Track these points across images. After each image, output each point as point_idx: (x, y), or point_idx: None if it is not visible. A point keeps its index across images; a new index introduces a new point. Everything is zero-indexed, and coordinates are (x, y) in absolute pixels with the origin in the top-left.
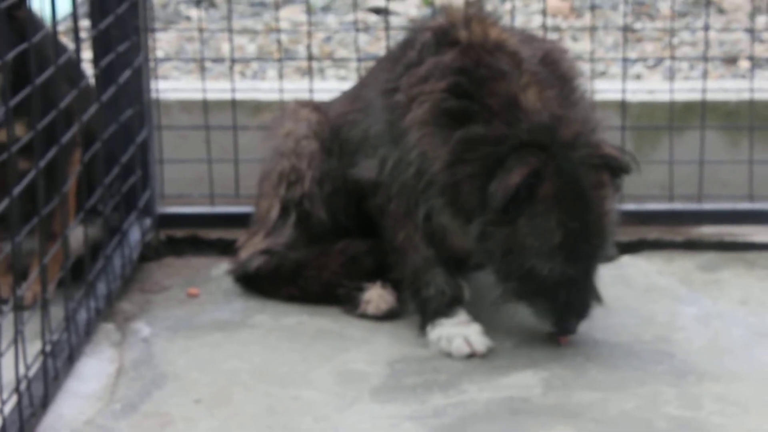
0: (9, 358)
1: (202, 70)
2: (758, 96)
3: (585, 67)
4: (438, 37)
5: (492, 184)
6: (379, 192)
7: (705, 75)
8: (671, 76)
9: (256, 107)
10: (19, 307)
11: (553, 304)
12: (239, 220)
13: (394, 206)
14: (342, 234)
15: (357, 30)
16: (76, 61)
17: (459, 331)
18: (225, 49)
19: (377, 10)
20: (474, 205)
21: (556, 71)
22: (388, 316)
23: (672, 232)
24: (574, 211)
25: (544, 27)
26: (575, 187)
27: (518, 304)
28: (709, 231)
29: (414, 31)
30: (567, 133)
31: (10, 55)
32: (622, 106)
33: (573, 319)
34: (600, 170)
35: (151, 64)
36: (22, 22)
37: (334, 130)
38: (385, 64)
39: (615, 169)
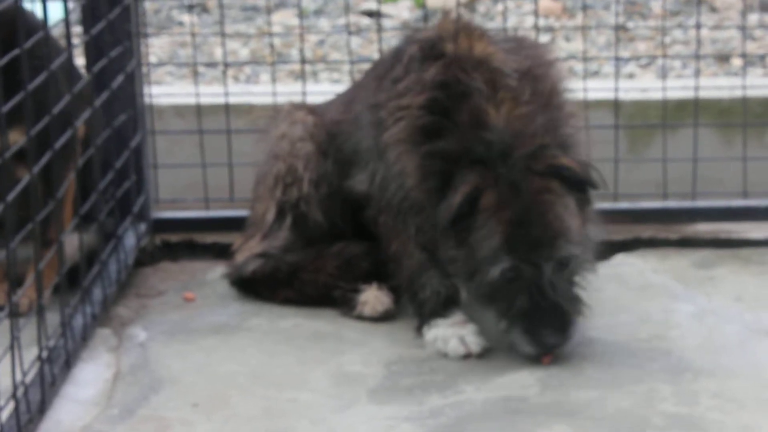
0: (6, 364)
1: (195, 74)
2: (751, 93)
3: (578, 66)
4: (424, 51)
5: (440, 207)
6: (371, 204)
7: (697, 73)
8: (664, 74)
9: (250, 111)
10: (15, 314)
11: (521, 317)
12: (234, 224)
13: (385, 219)
14: (338, 236)
15: (349, 33)
16: (73, 65)
17: (455, 332)
18: (218, 53)
19: (369, 13)
20: (438, 225)
21: (537, 87)
22: (385, 317)
23: (666, 230)
24: (514, 213)
25: (536, 27)
26: (515, 193)
27: (502, 329)
28: (703, 228)
29: (404, 43)
30: (523, 147)
31: (5, 60)
32: (615, 105)
33: (548, 331)
34: (546, 178)
35: (144, 70)
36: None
37: (330, 135)
38: (375, 75)
39: (571, 180)
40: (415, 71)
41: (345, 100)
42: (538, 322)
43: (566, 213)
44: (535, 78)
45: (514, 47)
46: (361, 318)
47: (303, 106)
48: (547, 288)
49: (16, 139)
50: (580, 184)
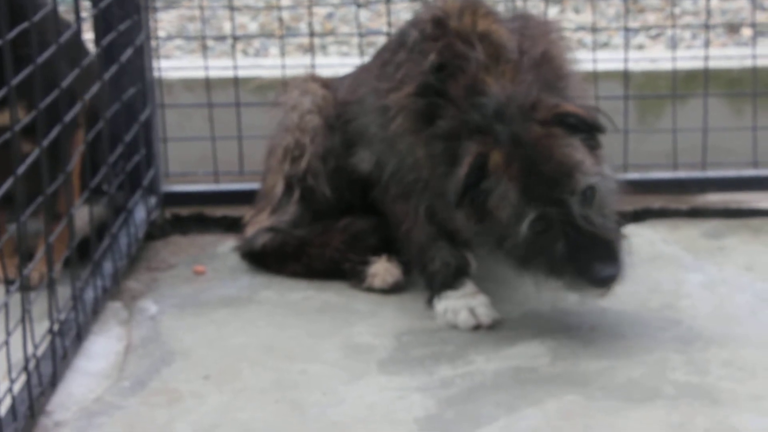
0: (17, 337)
1: (204, 48)
2: (761, 63)
3: (587, 38)
4: (425, 32)
5: (449, 185)
6: (379, 186)
7: (707, 43)
8: (674, 45)
9: (259, 84)
10: (25, 288)
11: (570, 260)
12: (244, 197)
13: (399, 203)
14: (347, 210)
15: (358, 6)
16: (79, 39)
17: (465, 303)
18: (227, 27)
19: None
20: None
21: (539, 60)
22: (394, 289)
23: (677, 200)
24: (522, 163)
25: None
26: (519, 145)
27: (554, 285)
28: (713, 198)
29: (411, 23)
30: (520, 104)
31: (12, 34)
32: (625, 76)
33: (600, 264)
34: (547, 125)
35: (153, 43)
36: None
37: (338, 113)
38: (381, 58)
39: (577, 125)
40: (416, 55)
41: (353, 80)
42: (586, 259)
43: (574, 150)
44: (538, 53)
45: (519, 26)
46: (371, 290)
47: (318, 78)
48: (580, 221)
49: (19, 114)
50: (586, 128)
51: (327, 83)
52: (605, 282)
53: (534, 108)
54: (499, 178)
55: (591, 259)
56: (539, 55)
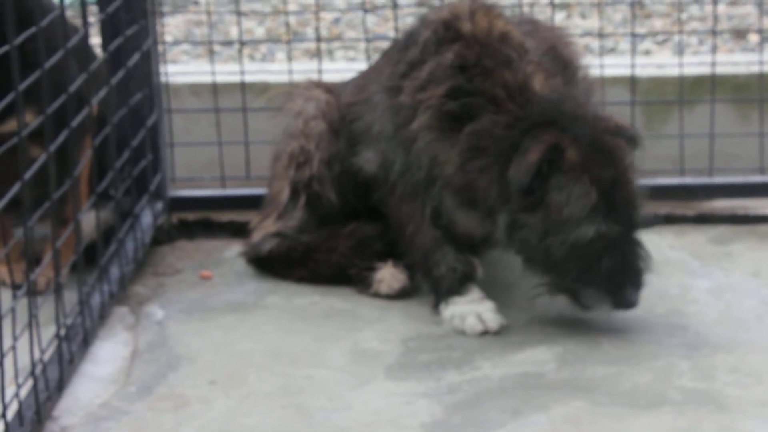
0: (24, 342)
1: (211, 53)
2: (767, 69)
3: (594, 43)
4: (439, 34)
5: (510, 169)
6: (384, 187)
7: (714, 49)
8: (680, 50)
9: (266, 89)
10: (32, 292)
11: (604, 278)
12: (250, 202)
13: (404, 204)
14: (352, 216)
15: (365, 11)
16: (87, 43)
17: (472, 309)
18: (233, 32)
19: None
20: (494, 198)
21: (559, 62)
22: (401, 294)
23: (683, 206)
24: (603, 170)
25: (552, 4)
26: (599, 149)
27: (565, 297)
28: (720, 204)
29: (418, 25)
30: (577, 109)
31: (20, 39)
32: (632, 82)
33: (630, 289)
34: (616, 136)
35: (160, 48)
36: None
37: (342, 115)
38: (389, 58)
39: (628, 139)
40: (431, 54)
41: (358, 83)
42: (622, 281)
43: (635, 171)
44: (556, 56)
45: (530, 29)
46: (377, 295)
47: (321, 84)
48: (639, 248)
49: (28, 119)
50: (633, 144)
51: (330, 88)
52: (628, 307)
53: (599, 116)
54: (577, 176)
55: (626, 282)
56: (562, 59)
